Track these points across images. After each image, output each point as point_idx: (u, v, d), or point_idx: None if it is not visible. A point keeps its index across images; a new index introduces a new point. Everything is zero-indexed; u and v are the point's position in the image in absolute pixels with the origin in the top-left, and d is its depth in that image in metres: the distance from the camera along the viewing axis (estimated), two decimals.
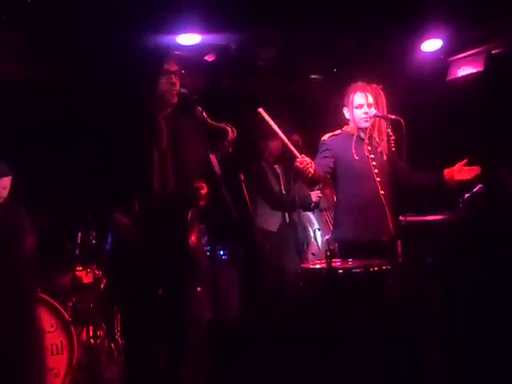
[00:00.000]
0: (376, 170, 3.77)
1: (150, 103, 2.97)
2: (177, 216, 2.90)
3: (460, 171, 3.78)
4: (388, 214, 3.75)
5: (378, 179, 3.75)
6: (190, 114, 2.88)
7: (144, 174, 2.86)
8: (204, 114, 2.85)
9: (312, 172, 3.48)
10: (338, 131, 3.90)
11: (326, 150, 3.81)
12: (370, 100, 3.78)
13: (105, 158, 2.94)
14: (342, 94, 3.89)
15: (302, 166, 3.45)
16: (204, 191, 2.92)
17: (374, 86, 3.85)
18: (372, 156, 3.79)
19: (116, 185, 2.85)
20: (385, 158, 3.83)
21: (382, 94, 3.83)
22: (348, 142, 3.78)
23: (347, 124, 3.89)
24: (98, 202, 3.12)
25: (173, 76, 2.95)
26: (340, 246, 3.75)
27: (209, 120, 2.85)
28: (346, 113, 3.86)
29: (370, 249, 3.58)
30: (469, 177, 3.77)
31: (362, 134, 3.82)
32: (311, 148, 4.12)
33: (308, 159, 3.49)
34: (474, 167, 3.79)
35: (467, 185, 3.83)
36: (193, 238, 2.90)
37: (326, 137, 3.88)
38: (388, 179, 3.79)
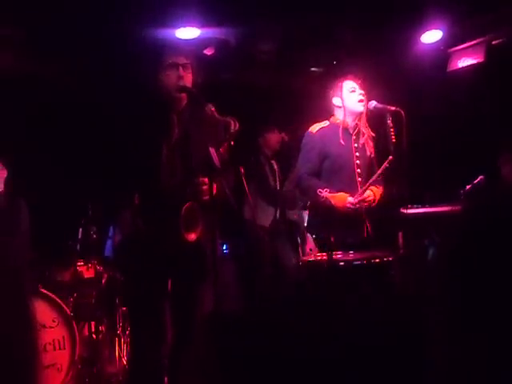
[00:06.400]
0: (358, 170, 3.70)
1: (157, 97, 2.91)
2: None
3: None
4: (364, 217, 3.67)
5: (359, 179, 3.69)
6: (200, 111, 2.81)
7: (152, 169, 2.81)
8: (214, 110, 2.77)
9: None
10: (327, 122, 3.80)
11: (313, 148, 3.71)
12: (360, 88, 3.74)
13: (113, 152, 2.91)
14: (329, 88, 3.83)
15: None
16: (206, 187, 2.89)
17: (362, 79, 3.79)
18: (357, 154, 3.71)
19: (123, 179, 2.84)
20: (368, 154, 3.77)
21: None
22: (336, 135, 3.69)
23: (333, 115, 3.80)
24: (103, 197, 3.10)
25: (180, 69, 2.87)
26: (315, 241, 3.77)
27: (217, 116, 2.79)
28: (337, 101, 3.75)
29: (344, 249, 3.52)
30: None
31: (350, 128, 3.74)
32: None
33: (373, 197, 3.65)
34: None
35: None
36: (200, 234, 2.85)
37: (314, 129, 3.77)
38: (368, 179, 3.68)
